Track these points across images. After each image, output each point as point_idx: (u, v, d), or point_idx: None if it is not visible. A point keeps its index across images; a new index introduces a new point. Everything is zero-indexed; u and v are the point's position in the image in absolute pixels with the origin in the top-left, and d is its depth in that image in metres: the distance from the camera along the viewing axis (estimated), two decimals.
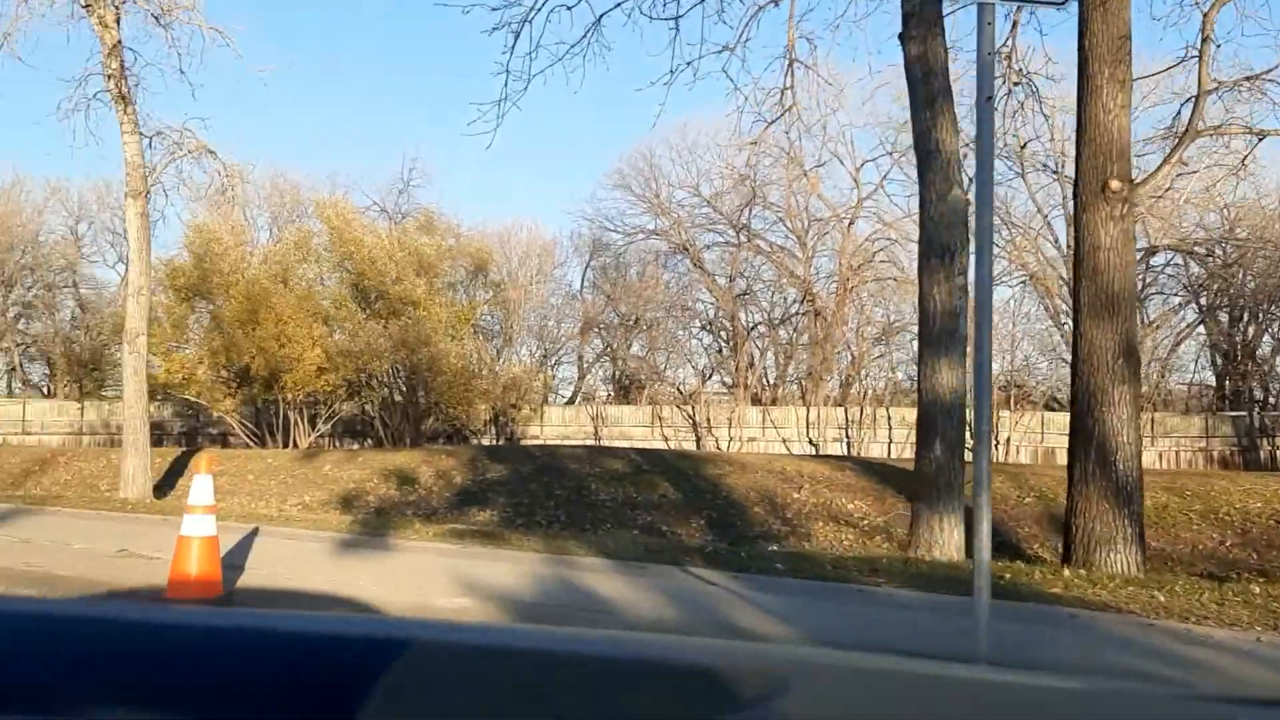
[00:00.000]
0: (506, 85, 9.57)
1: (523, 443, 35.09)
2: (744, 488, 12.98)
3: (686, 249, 44.94)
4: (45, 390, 48.09)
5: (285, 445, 29.15)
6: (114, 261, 52.17)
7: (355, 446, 31.59)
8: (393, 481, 13.06)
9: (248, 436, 30.28)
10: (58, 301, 49.88)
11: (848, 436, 34.66)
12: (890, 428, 33.36)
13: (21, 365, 48.96)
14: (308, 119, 64.61)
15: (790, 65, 12.27)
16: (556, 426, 38.32)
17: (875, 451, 30.71)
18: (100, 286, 50.90)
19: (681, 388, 43.45)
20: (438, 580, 6.53)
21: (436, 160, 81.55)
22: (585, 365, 49.36)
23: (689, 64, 12.03)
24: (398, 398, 31.08)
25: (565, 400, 45.36)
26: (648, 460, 14.62)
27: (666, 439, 35.99)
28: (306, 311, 28.51)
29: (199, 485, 5.50)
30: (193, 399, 29.74)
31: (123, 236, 50.54)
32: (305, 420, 30.01)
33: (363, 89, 66.58)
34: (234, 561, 6.99)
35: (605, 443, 34.02)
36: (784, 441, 34.59)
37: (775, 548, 9.75)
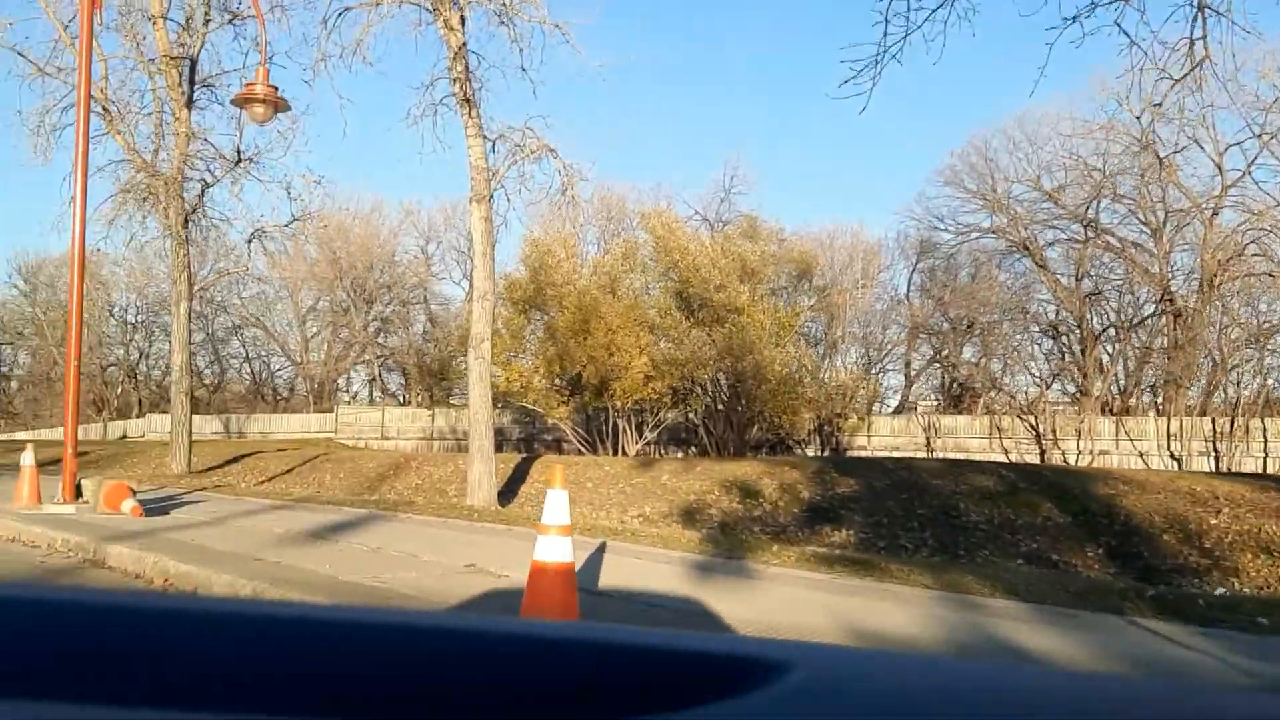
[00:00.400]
0: (885, 36, 8.36)
1: (849, 454, 33.80)
2: (1144, 510, 11.00)
3: (1026, 247, 41.87)
4: (400, 398, 52.00)
5: (614, 452, 29.48)
6: (459, 278, 55.72)
7: (679, 454, 31.53)
8: (734, 494, 12.17)
9: (580, 443, 30.91)
10: (411, 316, 53.86)
11: (1215, 450, 30.82)
12: (1266, 440, 29.43)
13: (380, 375, 53.25)
14: (632, 129, 66.42)
15: (1200, 11, 10.24)
16: (884, 437, 36.85)
17: (1249, 466, 26.94)
18: (447, 301, 54.51)
19: (1019, 396, 40.51)
20: (815, 621, 5.43)
21: (758, 166, 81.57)
22: (912, 373, 47.28)
23: (1074, 19, 10.26)
24: (720, 406, 30.78)
25: (891, 410, 43.63)
26: (1021, 477, 12.86)
27: (1006, 451, 33.50)
28: (634, 320, 28.76)
29: (553, 503, 4.70)
30: (529, 406, 30.69)
31: (466, 254, 53.71)
32: (633, 427, 30.27)
33: (685, 98, 67.61)
34: (584, 584, 6.22)
35: (939, 454, 32.07)
36: (1141, 455, 31.35)
37: (1223, 590, 7.89)
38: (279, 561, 6.96)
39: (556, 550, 4.57)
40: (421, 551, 7.66)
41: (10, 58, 16.69)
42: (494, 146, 11.95)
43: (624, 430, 30.21)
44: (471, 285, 12.15)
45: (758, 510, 11.54)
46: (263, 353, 56.47)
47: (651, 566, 7.07)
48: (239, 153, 16.72)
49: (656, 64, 64.14)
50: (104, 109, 15.87)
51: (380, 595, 5.81)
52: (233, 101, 11.67)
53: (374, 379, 53.70)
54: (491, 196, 11.68)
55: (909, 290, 47.23)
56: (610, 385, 28.43)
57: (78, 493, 10.63)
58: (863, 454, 33.22)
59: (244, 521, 9.84)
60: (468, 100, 11.47)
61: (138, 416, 47.59)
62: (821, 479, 12.60)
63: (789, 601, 6.01)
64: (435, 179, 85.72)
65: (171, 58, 16.00)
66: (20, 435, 39.05)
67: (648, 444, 30.73)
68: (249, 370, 56.92)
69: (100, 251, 25.68)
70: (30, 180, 65.35)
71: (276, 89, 11.41)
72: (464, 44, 11.54)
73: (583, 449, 30.57)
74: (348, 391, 56.04)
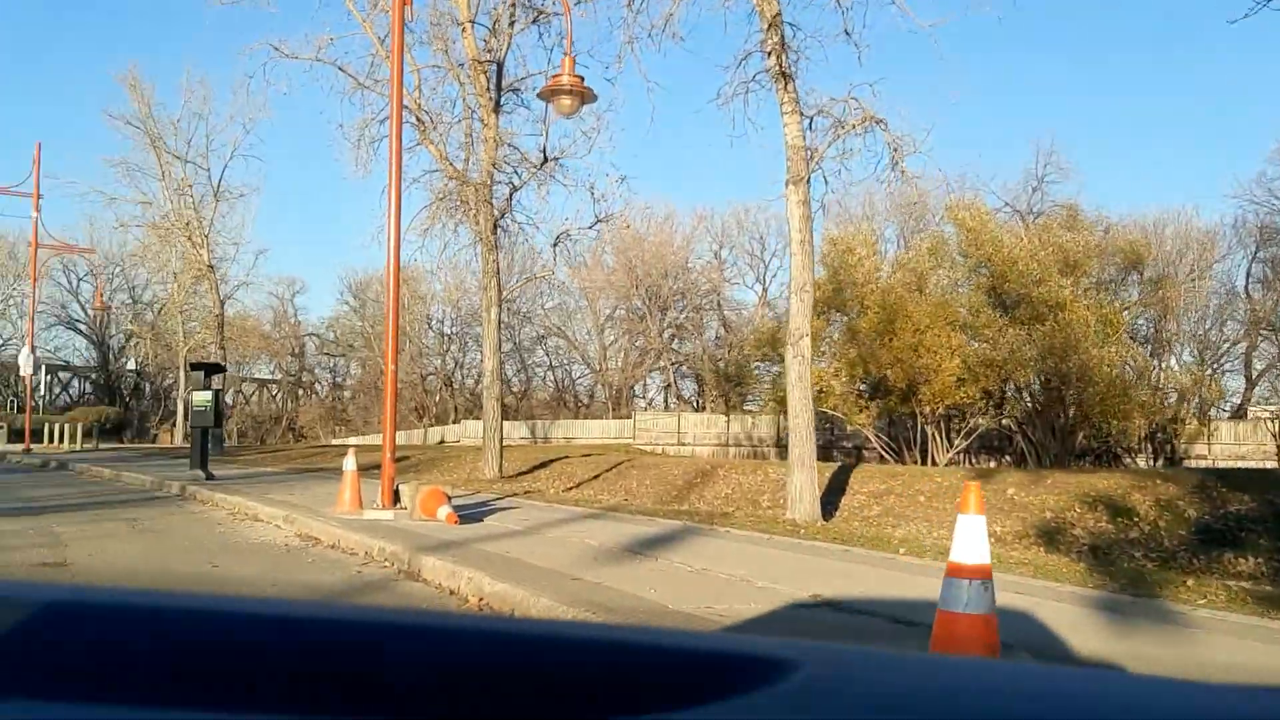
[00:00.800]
0: None
1: (1186, 463, 30.61)
2: None
3: None
4: (695, 404, 52.02)
5: (922, 461, 27.88)
6: (751, 282, 55.29)
7: (992, 463, 29.54)
8: (1100, 511, 10.41)
9: (882, 450, 29.44)
10: (704, 322, 53.87)
11: None
12: None
13: (675, 381, 53.54)
14: (937, 115, 63.52)
15: None
16: (1226, 445, 33.42)
17: None
18: (739, 307, 54.17)
19: None
20: None
21: (1073, 152, 76.20)
22: (1254, 373, 42.40)
23: None
24: (1038, 410, 28.47)
25: (1228, 414, 39.30)
26: None
27: None
28: (943, 319, 27.15)
29: (969, 534, 3.52)
30: (828, 412, 29.44)
31: (758, 257, 52.96)
32: (942, 434, 28.53)
33: (987, 80, 63.86)
34: None
35: None
36: None
37: None
38: (599, 582, 6.18)
39: (974, 597, 3.39)
40: (753, 575, 6.66)
41: (331, 73, 17.43)
42: (810, 123, 10.90)
43: (932, 437, 28.54)
44: (790, 277, 11.09)
45: (1133, 531, 9.74)
46: (564, 361, 58.33)
47: (1039, 604, 5.71)
48: (544, 153, 16.58)
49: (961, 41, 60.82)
50: (417, 119, 16.17)
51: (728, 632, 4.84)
52: (539, 95, 11.27)
53: (669, 385, 54.07)
54: (809, 179, 10.62)
55: (1248, 282, 42.32)
56: (918, 389, 26.98)
57: (395, 498, 10.52)
58: (1202, 463, 30.23)
59: (556, 532, 9.28)
60: (783, 74, 10.47)
61: (454, 422, 50.20)
62: (1205, 494, 10.57)
63: (1250, 658, 4.52)
64: (727, 183, 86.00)
65: (480, 62, 16.08)
66: (352, 440, 42.04)
67: (959, 452, 28.91)
68: (552, 378, 58.96)
69: (416, 263, 26.86)
70: (354, 192, 71.00)
71: (582, 79, 10.89)
72: (778, 13, 10.56)
73: (886, 457, 29.13)
74: (644, 398, 56.81)
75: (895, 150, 10.76)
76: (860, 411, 28.62)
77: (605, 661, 0.77)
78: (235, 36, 52.60)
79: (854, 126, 10.62)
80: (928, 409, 27.41)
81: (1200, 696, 0.77)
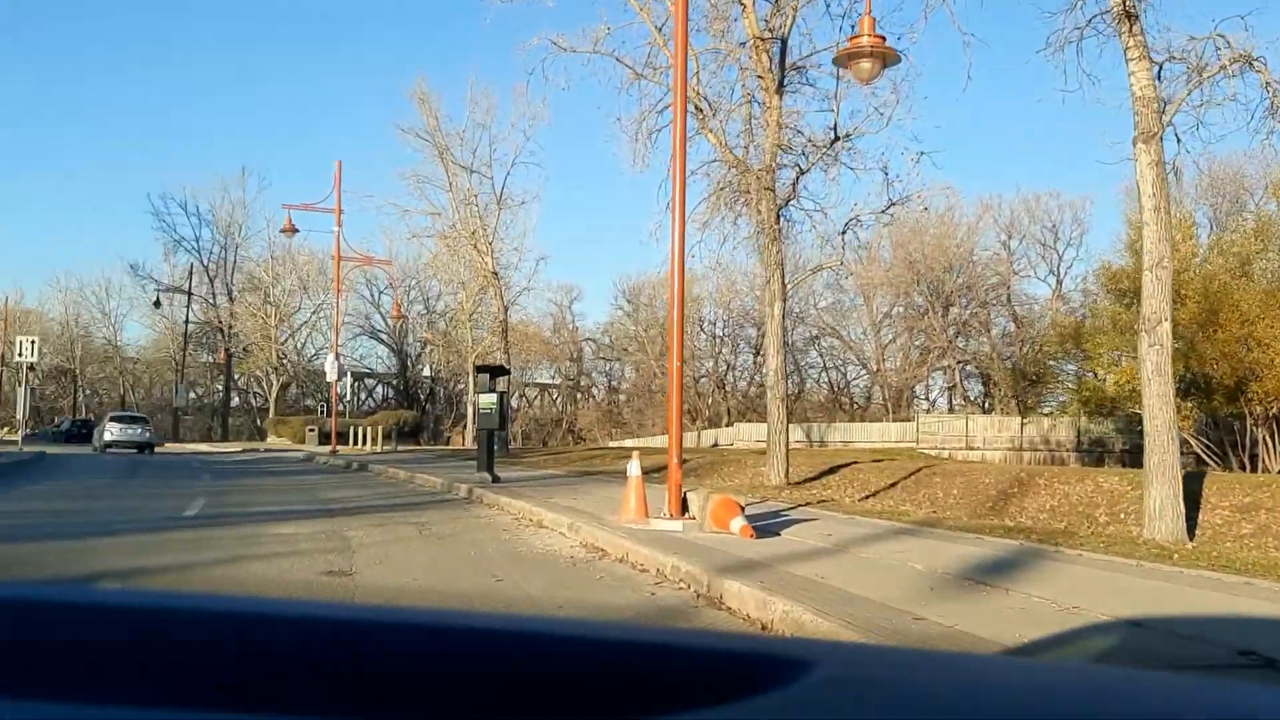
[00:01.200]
0: None
1: None
2: None
3: None
4: (982, 405, 48.92)
5: (1250, 467, 24.73)
6: (1044, 274, 51.43)
7: None
8: None
9: (1203, 454, 26.35)
10: (991, 318, 50.65)
11: None
12: None
13: (961, 381, 50.61)
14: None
15: None
16: None
17: None
18: (1030, 301, 50.54)
19: None
20: None
21: None
22: None
23: None
24: None
25: None
26: None
27: None
28: (1276, 309, 23.93)
29: None
30: (1138, 412, 26.46)
31: (1050, 247, 49.13)
32: (1274, 437, 25.18)
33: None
34: None
35: None
36: None
37: None
38: (950, 624, 5.00)
39: None
40: (1140, 613, 5.26)
41: (608, 66, 17.05)
42: (1159, 72, 9.19)
43: (1263, 440, 25.23)
44: (1142, 249, 9.43)
45: None
46: (839, 361, 56.59)
47: None
48: (834, 130, 15.37)
49: None
50: (695, 107, 15.44)
51: None
52: (835, 59, 10.20)
53: (953, 385, 51.24)
54: (1161, 135, 8.93)
55: None
56: (1247, 386, 23.91)
57: (683, 507, 9.71)
58: None
59: (868, 551, 8.13)
60: (1128, 14, 8.84)
61: (726, 425, 49.70)
62: None
63: None
64: (1010, 169, 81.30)
65: (761, 40, 15.13)
66: (628, 442, 42.32)
67: None
68: (826, 379, 57.32)
69: (692, 256, 26.25)
70: (628, 197, 72.18)
71: (884, 39, 9.70)
72: None
73: (1209, 462, 25.97)
74: (925, 399, 54.18)
75: (1274, 95, 8.89)
76: (1175, 411, 25.64)
77: (624, 662, 0.78)
78: (513, 37, 54.26)
79: (1221, 69, 8.85)
80: (1258, 409, 24.36)
81: (1220, 693, 0.74)
